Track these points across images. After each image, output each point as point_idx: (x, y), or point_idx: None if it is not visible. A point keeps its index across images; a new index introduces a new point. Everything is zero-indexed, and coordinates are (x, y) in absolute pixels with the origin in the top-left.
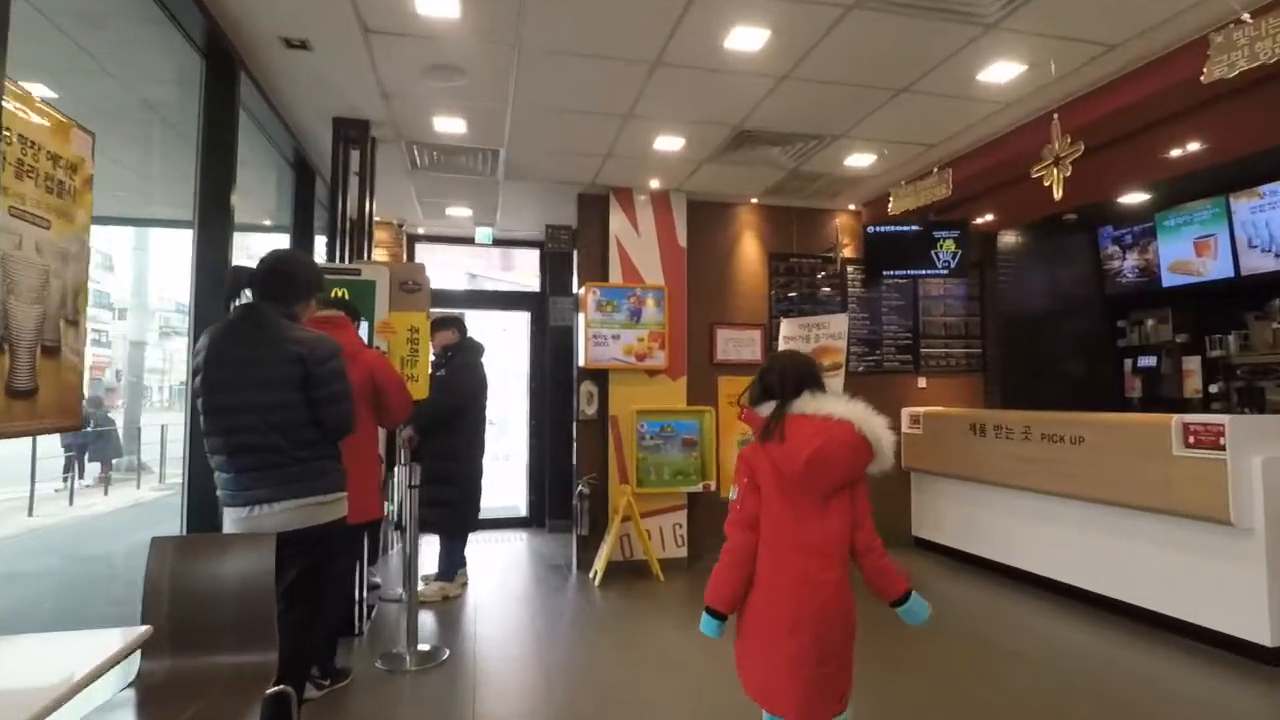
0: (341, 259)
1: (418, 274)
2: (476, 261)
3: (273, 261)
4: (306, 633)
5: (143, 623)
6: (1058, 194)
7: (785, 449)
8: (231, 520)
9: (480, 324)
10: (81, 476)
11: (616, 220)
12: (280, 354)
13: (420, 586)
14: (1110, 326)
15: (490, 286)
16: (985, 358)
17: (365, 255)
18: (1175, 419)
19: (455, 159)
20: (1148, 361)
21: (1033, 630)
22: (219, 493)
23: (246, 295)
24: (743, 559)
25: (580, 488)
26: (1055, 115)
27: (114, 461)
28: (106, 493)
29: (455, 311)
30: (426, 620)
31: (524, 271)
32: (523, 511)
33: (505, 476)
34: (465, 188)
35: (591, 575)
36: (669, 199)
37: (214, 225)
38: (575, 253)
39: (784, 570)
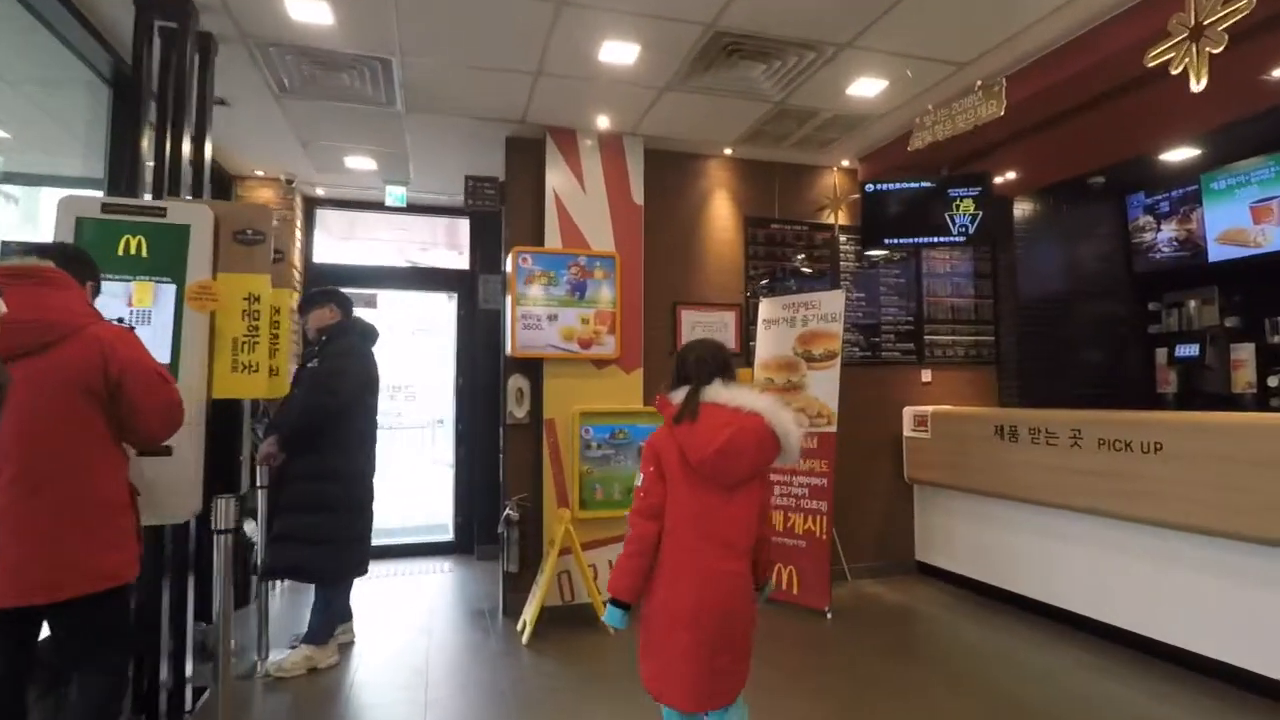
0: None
1: (258, 219)
2: (413, 236)
3: None
4: None
5: None
6: (1199, 82)
7: (696, 437)
8: None
9: (396, 310)
10: None
11: (556, 172)
12: None
13: (277, 657)
14: (1139, 310)
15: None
16: (999, 347)
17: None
18: None
19: (335, 78)
20: (1188, 350)
21: (1082, 691)
22: None
23: None
24: (645, 548)
25: (507, 511)
26: None
27: None
28: None
29: (377, 291)
30: (276, 708)
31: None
32: (449, 535)
33: (431, 492)
34: (359, 125)
35: (520, 627)
36: (622, 145)
37: None
38: (503, 212)
39: (686, 561)
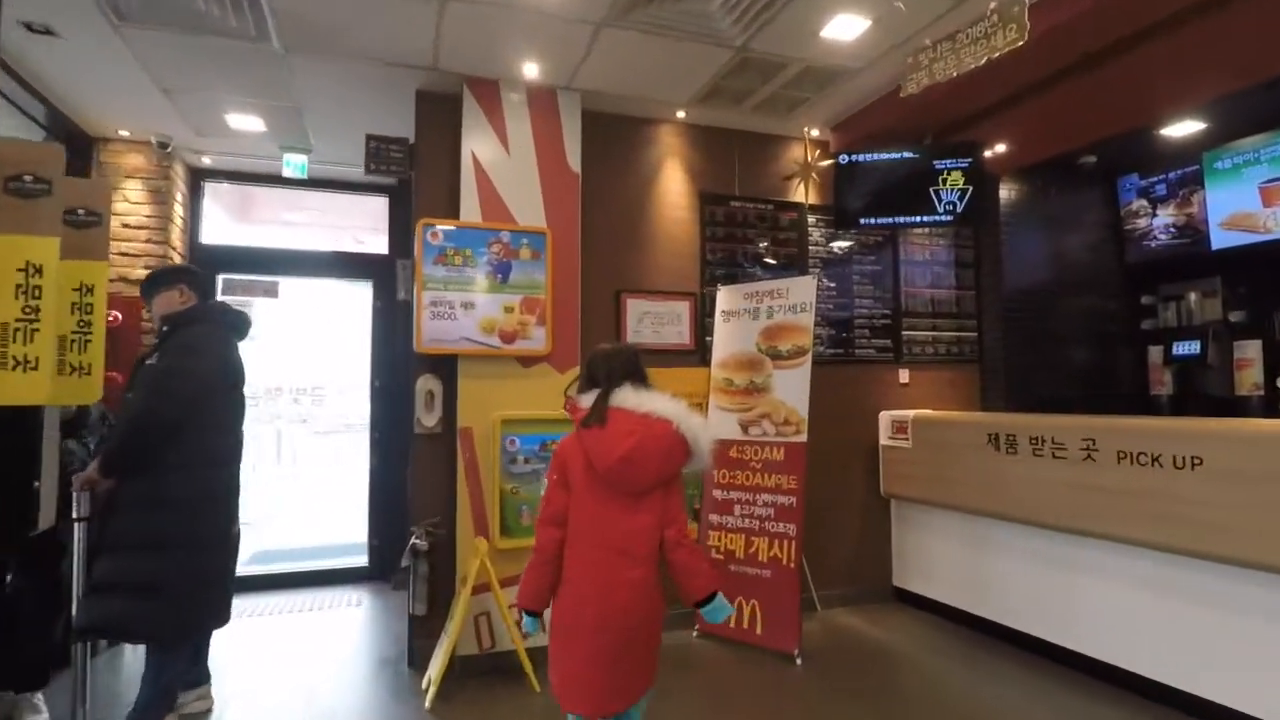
0: None
1: (44, 162)
2: (328, 219)
3: None
4: None
5: None
6: None
7: (602, 442)
8: None
9: (303, 301)
10: None
11: (476, 132)
12: None
13: None
14: (1130, 304)
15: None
16: (981, 344)
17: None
18: None
19: (183, 0)
20: (1187, 348)
21: None
22: None
23: None
24: (548, 557)
25: (414, 540)
26: None
27: None
28: None
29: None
30: None
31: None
32: (363, 558)
33: (343, 509)
34: (233, 69)
35: (424, 685)
36: (555, 102)
37: None
38: (413, 179)
39: (589, 569)
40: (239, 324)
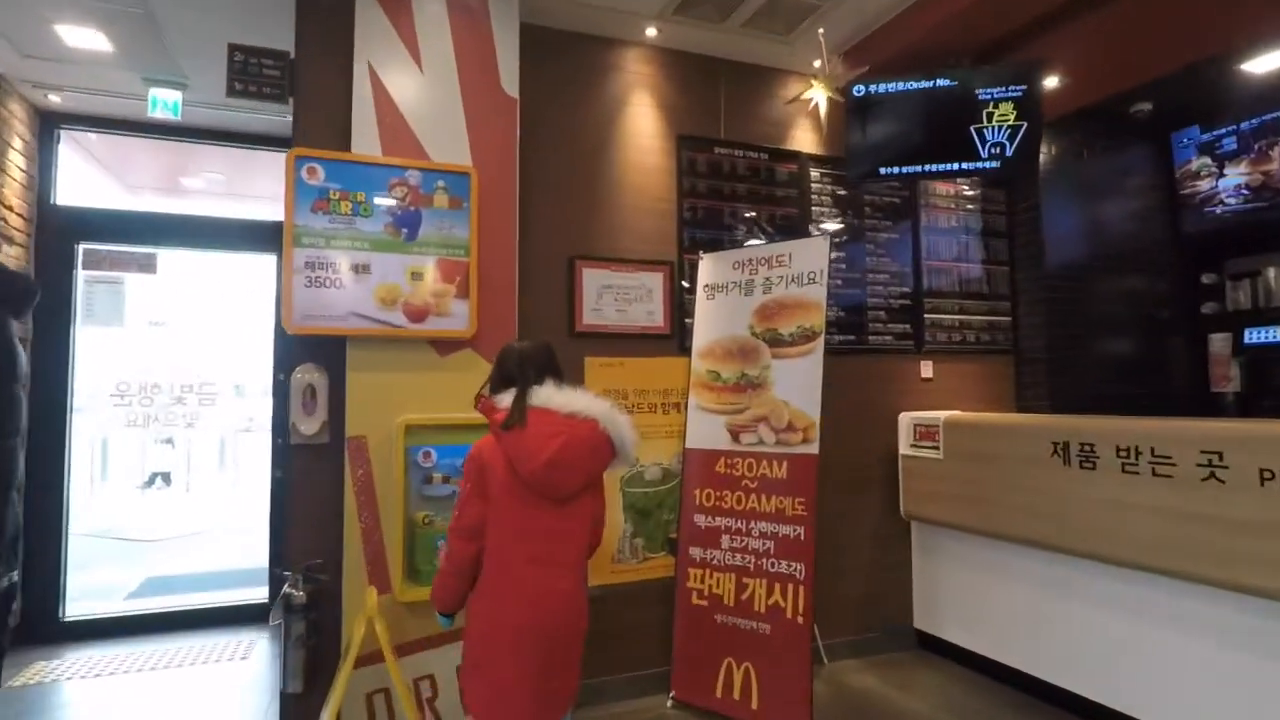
0: None
1: None
2: (230, 183)
3: None
4: None
5: None
6: None
7: (524, 446)
8: None
9: (190, 278)
10: None
11: (376, 41)
12: None
13: None
14: (1188, 283)
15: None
16: (1017, 330)
17: None
18: None
19: None
20: (1266, 335)
21: None
22: None
23: None
24: (464, 570)
25: (287, 588)
26: None
27: None
28: None
29: None
30: None
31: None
32: (262, 590)
33: (239, 531)
34: None
35: None
36: (485, 8)
37: None
38: (294, 105)
39: (513, 582)
40: (12, 295)
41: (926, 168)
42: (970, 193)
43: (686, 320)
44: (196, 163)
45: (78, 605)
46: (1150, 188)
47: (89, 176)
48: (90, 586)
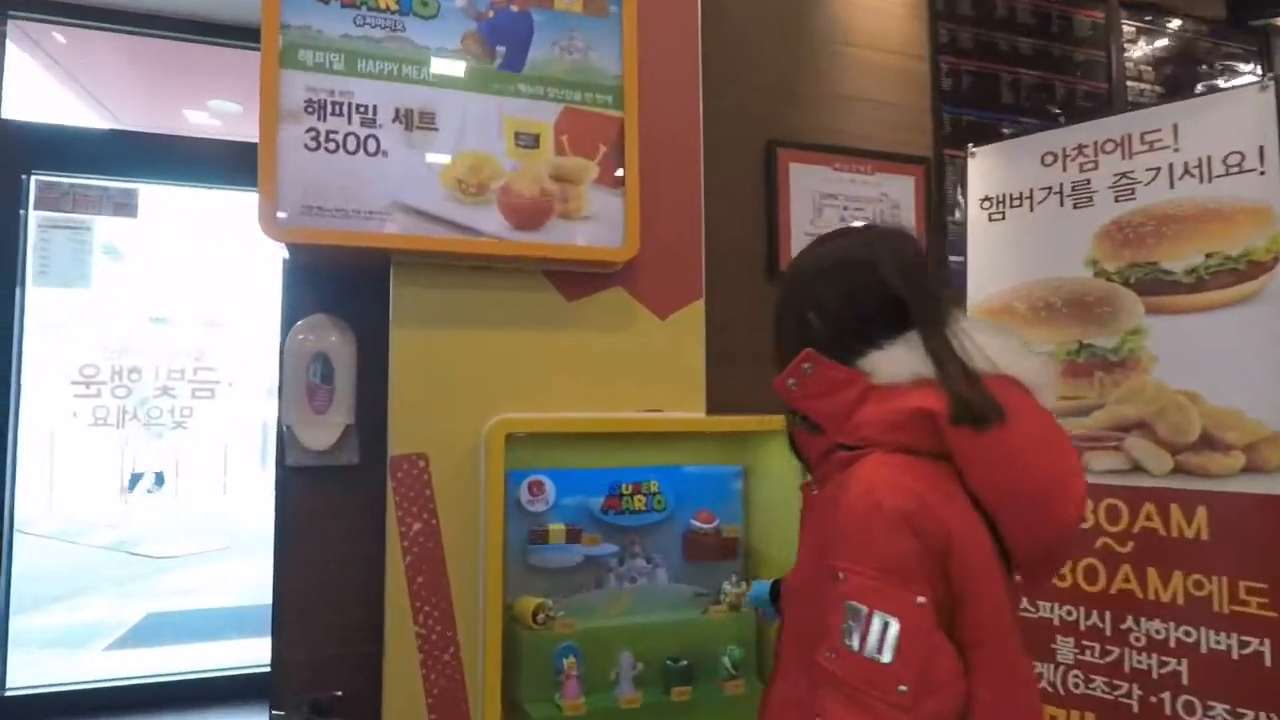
0: None
1: None
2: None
3: None
4: None
5: None
6: None
7: (1033, 469)
8: None
9: (179, 223)
10: None
11: None
12: None
13: None
14: None
15: None
16: None
17: None
18: None
19: None
20: None
21: None
22: None
23: None
24: None
25: None
26: None
27: None
28: None
29: None
30: None
31: None
32: (263, 660)
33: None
34: None
35: None
36: None
37: None
38: None
39: (1029, 696)
40: None
41: None
42: None
43: (951, 259)
44: (203, 84)
45: (28, 670)
46: None
47: (57, 100)
48: (69, 629)
